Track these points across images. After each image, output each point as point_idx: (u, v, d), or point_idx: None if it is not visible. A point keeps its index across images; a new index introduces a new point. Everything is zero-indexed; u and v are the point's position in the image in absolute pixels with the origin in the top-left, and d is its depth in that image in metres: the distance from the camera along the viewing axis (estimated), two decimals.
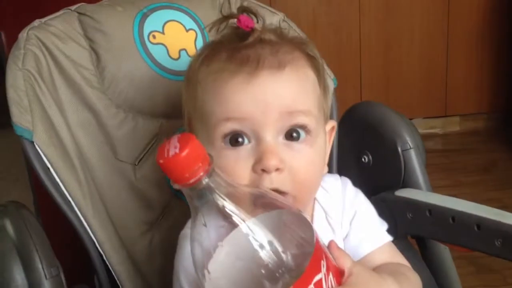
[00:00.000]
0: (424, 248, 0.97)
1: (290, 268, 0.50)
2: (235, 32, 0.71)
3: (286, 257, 0.51)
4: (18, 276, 0.71)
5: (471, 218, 0.83)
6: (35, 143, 0.82)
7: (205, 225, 0.52)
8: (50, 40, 0.87)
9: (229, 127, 0.66)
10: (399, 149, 0.94)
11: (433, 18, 2.72)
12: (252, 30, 0.69)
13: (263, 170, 0.65)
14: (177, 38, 0.94)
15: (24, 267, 0.72)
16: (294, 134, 0.67)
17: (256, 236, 0.51)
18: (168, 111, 0.94)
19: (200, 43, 0.95)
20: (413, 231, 0.93)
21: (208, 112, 0.68)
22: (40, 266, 0.72)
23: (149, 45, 0.92)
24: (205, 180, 0.51)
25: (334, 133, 0.79)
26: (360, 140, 1.02)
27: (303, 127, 0.68)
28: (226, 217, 0.51)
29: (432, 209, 0.88)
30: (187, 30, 0.95)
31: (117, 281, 0.87)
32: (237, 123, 0.66)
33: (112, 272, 0.87)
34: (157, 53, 0.92)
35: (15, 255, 0.72)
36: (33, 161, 0.82)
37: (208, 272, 0.52)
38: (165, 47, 0.93)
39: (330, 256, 0.57)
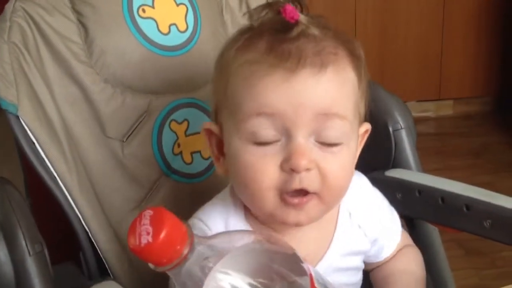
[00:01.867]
0: (413, 229, 0.96)
1: None
2: (277, 21, 0.65)
3: None
4: (1, 252, 0.70)
5: (461, 199, 0.82)
6: (20, 117, 0.80)
7: None
8: (37, 13, 0.85)
9: (264, 133, 0.63)
10: (390, 129, 0.94)
11: (429, 2, 2.70)
12: (297, 22, 0.64)
13: (292, 170, 0.63)
14: (167, 12, 0.92)
15: (7, 243, 0.71)
16: (332, 146, 0.64)
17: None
18: (158, 87, 0.92)
19: (190, 18, 0.94)
20: (403, 211, 0.92)
21: (239, 103, 0.65)
22: (23, 242, 0.71)
23: (138, 19, 0.91)
24: (188, 259, 0.47)
25: (366, 136, 0.76)
26: None
27: (337, 139, 0.65)
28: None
29: (422, 190, 0.87)
30: (177, 5, 0.93)
31: (103, 259, 0.87)
32: (268, 119, 0.63)
33: (98, 250, 0.86)
34: (147, 27, 0.91)
35: None
36: (18, 135, 0.81)
37: None
38: (155, 21, 0.92)
39: None
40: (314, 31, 0.64)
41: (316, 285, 0.51)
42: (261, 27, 0.67)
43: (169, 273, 0.48)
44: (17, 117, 0.80)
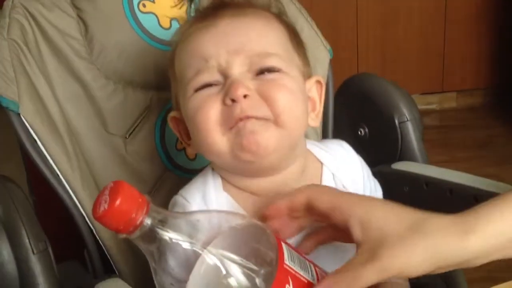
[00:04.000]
0: None
1: None
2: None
3: (259, 280, 0.50)
4: (5, 251, 0.70)
5: (469, 190, 0.81)
6: (21, 115, 0.80)
7: (164, 268, 0.52)
8: (36, 9, 0.85)
9: (200, 80, 0.67)
10: (396, 122, 0.93)
11: None
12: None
13: (233, 100, 0.65)
14: (168, 7, 0.92)
15: (11, 242, 0.70)
16: (265, 73, 0.67)
17: (221, 263, 0.50)
18: (159, 83, 0.91)
19: (192, 13, 0.92)
20: (410, 204, 0.91)
21: (182, 73, 0.70)
22: (27, 240, 0.71)
23: (139, 14, 0.90)
24: (147, 223, 0.50)
25: (323, 89, 0.77)
26: (356, 112, 1.00)
27: (273, 68, 0.67)
28: (183, 251, 0.51)
29: (429, 182, 0.87)
30: None
31: (108, 256, 0.86)
32: (206, 73, 0.67)
33: (103, 246, 0.86)
34: (147, 22, 0.90)
35: (1, 230, 0.71)
36: (20, 133, 0.80)
37: None
38: (156, 16, 0.91)
39: (299, 273, 0.53)
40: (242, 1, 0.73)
41: (286, 262, 0.52)
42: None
43: (133, 241, 0.52)
44: (18, 114, 0.80)
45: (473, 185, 0.81)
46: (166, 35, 0.90)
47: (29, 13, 0.84)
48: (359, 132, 0.98)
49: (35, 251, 0.71)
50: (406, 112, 0.93)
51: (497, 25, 2.75)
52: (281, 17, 0.74)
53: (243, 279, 0.49)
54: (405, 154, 0.93)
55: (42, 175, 0.82)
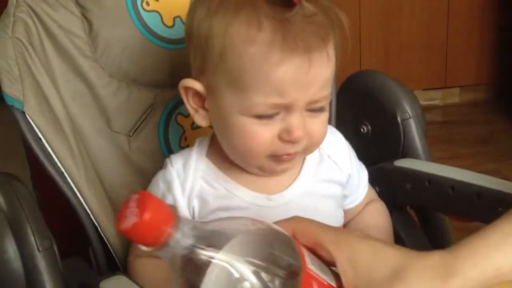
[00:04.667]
0: (423, 219, 0.96)
1: None
2: None
3: (281, 285, 0.49)
4: (10, 248, 0.70)
5: (471, 187, 0.81)
6: (26, 113, 0.80)
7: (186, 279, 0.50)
8: (41, 7, 0.85)
9: (266, 111, 0.68)
10: (399, 119, 0.93)
11: None
12: (299, 2, 0.65)
13: (290, 141, 0.69)
14: (172, 5, 0.92)
15: (16, 239, 0.71)
16: (314, 111, 0.71)
17: (239, 269, 0.49)
18: (163, 81, 0.92)
19: None
20: (412, 201, 0.92)
21: (249, 85, 0.67)
22: (32, 238, 0.71)
23: (142, 12, 0.90)
24: (176, 237, 0.48)
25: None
26: (359, 109, 1.00)
27: (321, 109, 0.71)
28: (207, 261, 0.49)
29: (431, 179, 0.87)
30: None
31: (112, 253, 0.86)
32: (274, 109, 0.68)
33: (108, 244, 0.86)
34: (151, 20, 0.90)
35: (6, 227, 0.71)
36: (25, 131, 0.80)
37: None
38: (159, 14, 0.91)
39: (321, 277, 0.54)
40: (312, 8, 0.67)
41: (308, 266, 0.52)
42: (257, 0, 0.66)
43: (159, 254, 0.50)
44: (23, 112, 0.80)
45: (475, 182, 0.82)
46: (169, 33, 0.91)
47: (34, 11, 0.84)
48: (362, 129, 0.99)
49: (40, 249, 0.72)
50: (408, 109, 0.93)
51: (500, 20, 2.75)
52: (338, 30, 0.72)
53: (266, 285, 0.49)
54: (407, 151, 0.94)
55: (46, 173, 0.83)
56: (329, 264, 0.56)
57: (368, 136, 0.98)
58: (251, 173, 0.76)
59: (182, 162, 0.78)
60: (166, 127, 0.93)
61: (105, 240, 0.86)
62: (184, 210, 0.76)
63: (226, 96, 0.69)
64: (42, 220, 0.75)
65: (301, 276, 0.50)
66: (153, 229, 0.47)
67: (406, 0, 2.68)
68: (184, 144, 0.94)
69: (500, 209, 0.77)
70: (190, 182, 0.76)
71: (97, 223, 0.85)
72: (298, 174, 0.79)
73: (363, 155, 0.90)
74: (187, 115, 0.94)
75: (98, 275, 0.87)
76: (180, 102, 0.93)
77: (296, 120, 0.68)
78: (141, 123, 0.92)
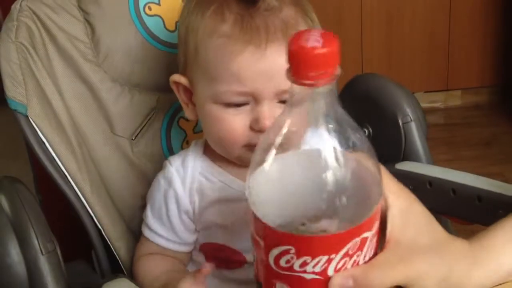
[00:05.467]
0: None
1: (351, 209, 0.48)
2: None
3: (358, 213, 0.49)
4: (14, 251, 0.71)
5: (472, 190, 0.82)
6: (29, 117, 0.81)
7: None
8: (44, 12, 0.86)
9: (236, 99, 0.72)
10: (400, 122, 0.93)
11: None
12: None
13: (260, 130, 0.71)
14: (174, 9, 0.92)
15: (20, 242, 0.71)
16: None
17: (339, 162, 0.48)
18: (165, 85, 0.91)
19: None
20: None
21: (212, 72, 0.72)
22: (35, 241, 0.71)
23: (144, 17, 0.90)
24: (324, 87, 0.47)
25: None
26: (360, 112, 0.99)
27: None
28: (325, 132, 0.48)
29: (433, 182, 0.87)
30: (183, 1, 0.93)
31: (116, 256, 0.87)
32: (240, 89, 0.71)
33: (111, 246, 0.86)
34: (153, 25, 0.91)
35: (10, 230, 0.71)
36: (28, 135, 0.81)
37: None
38: (161, 19, 0.91)
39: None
40: (274, 3, 0.71)
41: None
42: None
43: (292, 92, 0.49)
44: (26, 116, 0.81)
45: (476, 185, 0.82)
46: (172, 38, 0.91)
47: (37, 16, 0.85)
48: (363, 132, 0.99)
49: (43, 252, 0.72)
50: (409, 113, 0.93)
51: (502, 22, 2.75)
52: (308, 22, 0.75)
53: (348, 207, 0.48)
54: (408, 154, 0.94)
55: (49, 176, 0.83)
56: (381, 213, 0.55)
57: (369, 139, 0.98)
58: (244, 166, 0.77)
59: (180, 160, 0.81)
60: (168, 130, 0.94)
61: (109, 242, 0.86)
62: (186, 203, 0.79)
63: (201, 87, 0.75)
64: (45, 223, 0.75)
65: (377, 206, 0.50)
66: (328, 61, 0.46)
67: (407, 3, 2.68)
68: (186, 147, 0.94)
69: (501, 211, 0.77)
70: (190, 178, 0.79)
71: (101, 225, 0.85)
72: None
73: None
74: (189, 119, 0.95)
75: (100, 278, 0.88)
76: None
77: (264, 109, 0.71)
78: (143, 127, 0.92)
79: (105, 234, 0.86)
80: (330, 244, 0.48)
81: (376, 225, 0.51)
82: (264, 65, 0.69)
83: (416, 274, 0.52)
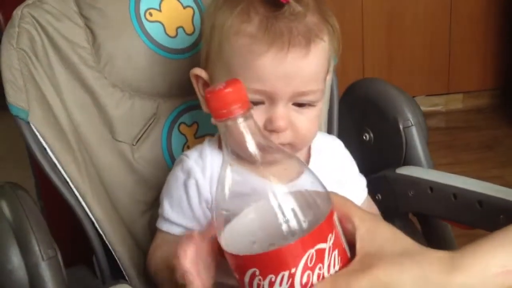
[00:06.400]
0: (425, 226, 0.96)
1: (303, 231, 0.53)
2: None
3: (304, 224, 0.53)
4: (15, 257, 0.71)
5: (473, 195, 0.82)
6: (30, 123, 0.81)
7: (231, 166, 0.56)
8: (45, 19, 0.86)
9: (254, 97, 0.72)
10: (401, 126, 0.93)
11: None
12: (288, 3, 0.71)
13: (274, 130, 0.73)
14: (174, 15, 0.92)
15: (21, 248, 0.71)
16: (302, 106, 0.75)
17: (282, 203, 0.53)
18: (166, 90, 0.92)
19: (197, 21, 0.93)
20: (415, 208, 0.92)
21: (234, 69, 0.73)
22: (36, 247, 0.71)
23: (145, 23, 0.91)
24: (240, 120, 0.54)
25: (329, 76, 0.83)
26: (361, 117, 1.00)
27: (311, 103, 0.75)
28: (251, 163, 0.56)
29: (434, 186, 0.87)
30: (184, 7, 0.93)
31: (118, 261, 0.87)
32: (259, 88, 0.72)
33: (112, 252, 0.86)
34: (154, 30, 0.91)
35: (11, 236, 0.72)
36: (29, 141, 0.81)
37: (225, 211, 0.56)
38: (162, 24, 0.92)
39: (342, 238, 0.57)
40: (299, 9, 0.72)
41: (334, 218, 0.57)
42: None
43: (221, 132, 0.56)
44: (28, 122, 0.81)
45: (477, 190, 0.82)
46: (172, 43, 0.91)
47: (38, 22, 0.85)
48: (364, 137, 0.99)
49: (44, 258, 0.72)
50: (410, 117, 0.94)
51: (502, 26, 2.75)
52: (333, 33, 0.76)
53: (293, 220, 0.53)
54: (409, 159, 0.94)
55: (51, 181, 0.83)
56: (349, 238, 0.58)
57: (370, 144, 0.98)
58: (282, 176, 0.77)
59: (197, 153, 0.81)
60: (169, 136, 0.94)
61: (110, 248, 0.86)
62: (206, 191, 0.79)
63: (221, 80, 0.73)
64: (46, 229, 0.75)
65: (325, 217, 0.54)
66: (227, 102, 0.54)
67: (408, 7, 2.68)
68: None
69: (502, 216, 0.77)
70: (209, 168, 0.79)
71: (102, 231, 0.85)
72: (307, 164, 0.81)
73: (365, 163, 0.90)
74: (190, 125, 0.95)
75: (102, 284, 0.88)
76: (183, 112, 0.94)
77: (278, 111, 0.73)
78: (144, 132, 0.92)
79: (106, 239, 0.86)
80: (286, 258, 0.52)
81: (331, 238, 0.54)
82: (285, 68, 0.71)
83: (388, 278, 0.54)
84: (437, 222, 0.94)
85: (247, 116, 0.55)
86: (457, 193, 0.84)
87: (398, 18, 2.69)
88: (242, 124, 0.55)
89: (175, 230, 0.80)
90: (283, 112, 0.73)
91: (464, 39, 2.74)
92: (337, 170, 0.85)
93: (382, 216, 0.91)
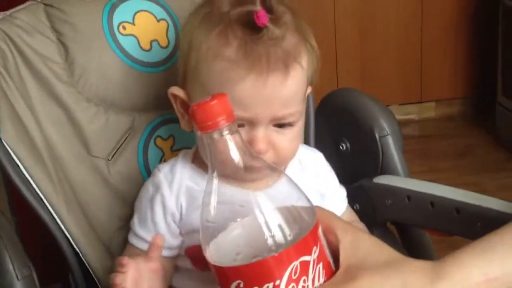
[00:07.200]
0: (403, 234, 0.96)
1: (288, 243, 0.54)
2: (248, 21, 0.70)
3: (289, 237, 0.54)
4: None
5: (450, 202, 0.82)
6: (3, 140, 0.79)
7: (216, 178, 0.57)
8: (16, 34, 0.85)
9: None
10: (377, 136, 0.94)
11: (408, 5, 2.72)
12: (266, 26, 0.70)
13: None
14: (148, 28, 0.92)
15: None
16: (282, 126, 0.74)
17: (267, 216, 0.54)
18: (141, 104, 0.92)
19: (172, 34, 0.93)
20: (392, 217, 0.93)
21: (207, 85, 0.73)
22: (11, 266, 0.70)
23: (119, 37, 0.90)
24: (225, 133, 0.55)
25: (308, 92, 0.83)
26: (337, 127, 1.01)
27: (291, 123, 0.75)
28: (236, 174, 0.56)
29: (411, 195, 0.88)
30: (158, 21, 0.93)
31: (95, 278, 0.86)
32: (238, 113, 0.70)
33: (89, 269, 0.85)
34: (128, 44, 0.90)
35: None
36: (2, 158, 0.80)
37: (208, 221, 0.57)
38: (136, 38, 0.91)
39: (326, 251, 0.58)
40: (278, 32, 0.71)
41: (319, 231, 0.58)
42: (232, 20, 0.72)
43: (207, 144, 0.56)
44: (0, 140, 0.79)
45: (454, 197, 0.82)
46: (147, 57, 0.91)
47: (9, 37, 0.84)
48: (341, 147, 0.99)
49: (19, 277, 0.71)
50: (386, 126, 0.94)
51: (472, 36, 2.80)
52: (309, 50, 0.76)
53: (278, 233, 0.54)
54: (386, 168, 0.94)
55: (25, 199, 0.82)
56: (333, 250, 0.59)
57: (347, 154, 0.98)
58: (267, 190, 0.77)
59: (169, 167, 0.81)
60: (145, 150, 0.93)
61: (86, 264, 0.85)
62: (172, 206, 0.78)
63: (193, 94, 0.75)
64: (20, 247, 0.74)
65: (308, 234, 0.55)
66: (212, 114, 0.55)
67: (380, 17, 2.72)
68: None
69: (479, 223, 0.78)
70: (177, 182, 0.79)
71: (78, 248, 0.84)
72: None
73: (342, 173, 0.90)
74: (166, 138, 0.94)
75: None
76: (158, 125, 0.94)
77: (259, 134, 0.72)
78: (119, 147, 0.91)
79: (82, 256, 0.85)
80: (270, 270, 0.53)
81: (316, 251, 0.55)
82: (264, 92, 0.70)
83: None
84: (415, 230, 0.94)
85: (232, 129, 0.56)
86: (434, 201, 0.84)
87: (370, 30, 2.72)
88: (227, 136, 0.55)
89: (141, 245, 0.80)
90: (264, 135, 0.73)
91: (435, 50, 2.79)
92: (319, 183, 0.85)
93: None
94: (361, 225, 0.90)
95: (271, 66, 0.70)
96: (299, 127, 0.77)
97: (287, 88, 0.72)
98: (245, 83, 0.70)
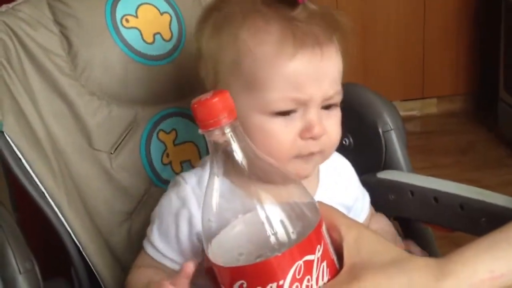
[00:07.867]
0: (406, 230, 0.96)
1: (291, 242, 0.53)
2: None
3: (293, 236, 0.53)
4: None
5: (454, 198, 0.82)
6: (5, 134, 0.79)
7: (217, 175, 0.56)
8: (19, 26, 0.84)
9: (287, 106, 0.70)
10: (380, 131, 0.93)
11: (410, 1, 2.72)
12: (303, 2, 0.70)
13: (312, 138, 0.71)
14: (151, 21, 0.92)
15: None
16: (329, 108, 0.73)
17: (270, 214, 0.53)
18: (144, 98, 0.91)
19: (175, 26, 0.93)
20: (396, 212, 0.92)
21: (264, 83, 0.70)
22: (13, 260, 0.70)
23: (122, 30, 0.90)
24: (227, 130, 0.54)
25: None
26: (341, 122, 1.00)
27: (337, 104, 0.74)
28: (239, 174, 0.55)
29: (414, 190, 0.87)
30: (161, 13, 0.92)
31: (95, 273, 0.85)
32: (296, 102, 0.70)
33: (90, 263, 0.85)
34: (131, 37, 0.90)
35: None
36: (4, 152, 0.79)
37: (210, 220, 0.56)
38: (139, 31, 0.91)
39: (330, 249, 0.57)
40: (314, 7, 0.71)
41: (323, 229, 0.57)
42: (264, 4, 0.71)
43: (209, 143, 0.56)
44: (2, 133, 0.79)
45: (458, 193, 0.82)
46: (149, 49, 0.90)
47: (12, 31, 0.83)
48: (344, 142, 0.99)
49: (21, 271, 0.70)
50: (389, 122, 0.94)
51: (473, 33, 2.80)
52: (341, 26, 0.76)
53: (281, 231, 0.53)
54: (389, 163, 0.94)
55: (27, 193, 0.81)
56: (336, 247, 0.58)
57: (350, 149, 0.98)
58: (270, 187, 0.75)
59: (196, 179, 0.76)
60: (148, 144, 0.92)
61: (87, 258, 0.85)
62: (199, 226, 0.71)
63: (242, 99, 0.70)
64: (23, 241, 0.73)
65: (313, 229, 0.54)
66: (214, 112, 0.53)
67: (382, 13, 2.71)
68: (166, 160, 0.93)
69: (483, 219, 0.77)
70: None
71: (79, 242, 0.84)
72: (314, 194, 0.79)
73: None
74: (169, 132, 0.94)
75: None
76: (161, 119, 0.93)
77: (314, 116, 0.70)
78: (122, 140, 0.91)
79: (83, 250, 0.84)
80: (273, 270, 0.52)
81: (319, 250, 0.54)
82: (320, 69, 0.70)
83: None
84: (418, 226, 0.94)
85: (234, 126, 0.54)
86: (438, 197, 0.84)
87: (372, 26, 2.72)
88: (229, 134, 0.54)
89: (159, 258, 0.75)
90: (318, 118, 0.71)
91: (437, 46, 2.78)
92: (347, 195, 0.84)
93: None
94: (382, 215, 0.90)
95: (320, 39, 0.69)
96: (339, 111, 0.76)
97: (337, 62, 0.72)
98: (299, 60, 0.68)
